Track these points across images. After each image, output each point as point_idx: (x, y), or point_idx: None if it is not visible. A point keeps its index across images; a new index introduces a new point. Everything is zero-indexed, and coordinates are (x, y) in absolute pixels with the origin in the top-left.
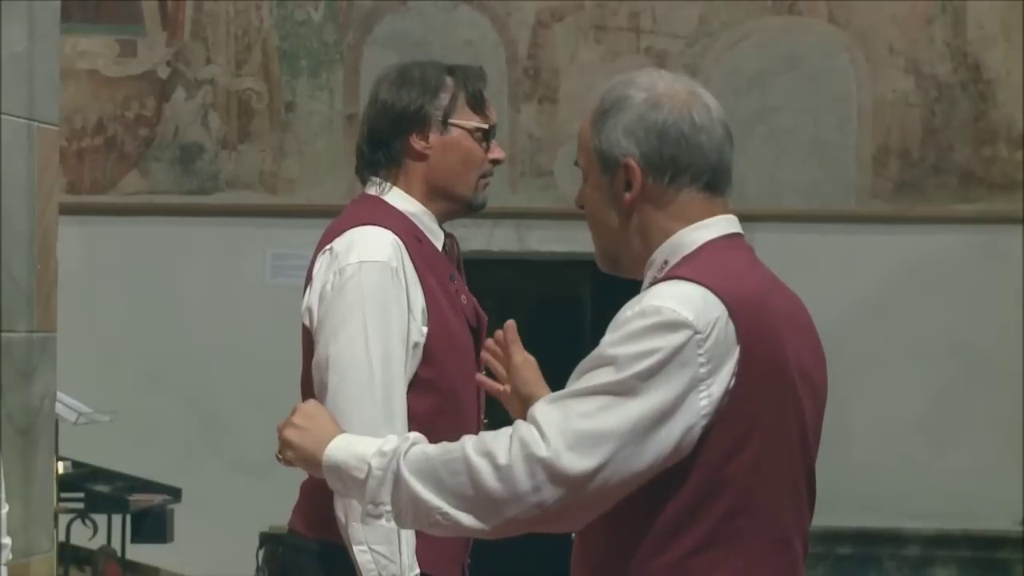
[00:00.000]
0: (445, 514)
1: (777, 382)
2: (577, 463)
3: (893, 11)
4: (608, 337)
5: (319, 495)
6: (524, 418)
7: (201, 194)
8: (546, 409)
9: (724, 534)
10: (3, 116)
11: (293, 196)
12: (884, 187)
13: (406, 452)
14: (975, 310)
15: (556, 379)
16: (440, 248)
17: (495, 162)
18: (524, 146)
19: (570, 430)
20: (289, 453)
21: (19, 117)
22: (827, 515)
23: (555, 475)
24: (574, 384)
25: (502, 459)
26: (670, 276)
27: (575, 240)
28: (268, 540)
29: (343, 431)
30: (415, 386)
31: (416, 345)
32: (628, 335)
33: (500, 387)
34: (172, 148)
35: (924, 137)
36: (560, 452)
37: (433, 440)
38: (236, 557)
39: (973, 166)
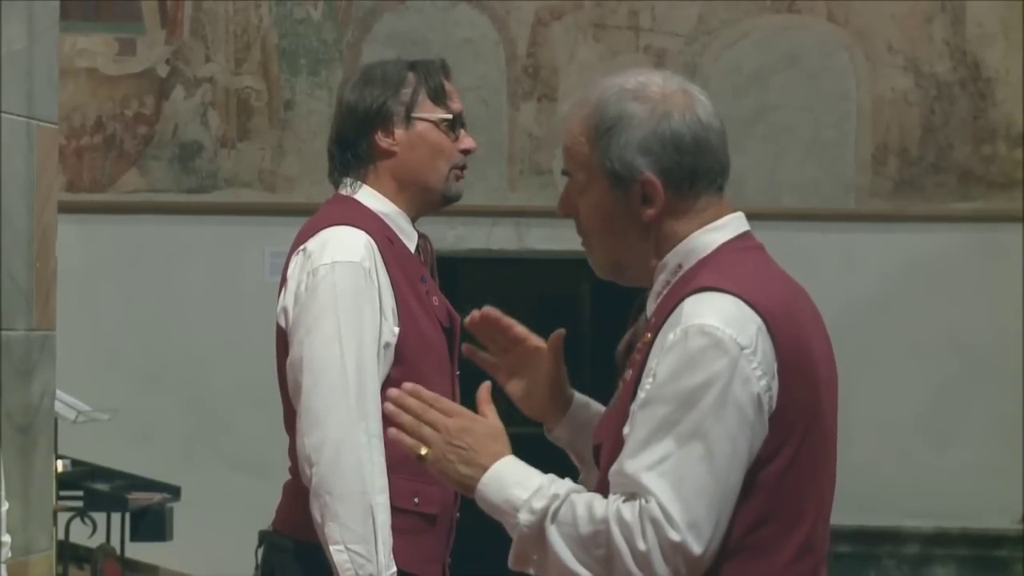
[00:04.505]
0: None
1: (809, 388)
2: (701, 540)
3: (892, 10)
4: (664, 369)
5: (301, 496)
6: (521, 400)
7: (200, 192)
8: (654, 480)
9: (749, 543)
10: (2, 114)
11: (292, 194)
12: (883, 186)
13: (556, 513)
14: (974, 308)
15: None
16: (413, 249)
17: (466, 152)
18: (523, 145)
19: (686, 504)
20: (432, 458)
21: (18, 115)
22: None
23: (689, 559)
24: (652, 430)
25: (641, 544)
26: (699, 287)
27: (574, 239)
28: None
29: (501, 452)
30: (388, 386)
31: (388, 345)
32: (682, 365)
33: (491, 359)
34: (171, 146)
35: (923, 136)
36: (687, 538)
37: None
38: (235, 555)
39: (972, 164)
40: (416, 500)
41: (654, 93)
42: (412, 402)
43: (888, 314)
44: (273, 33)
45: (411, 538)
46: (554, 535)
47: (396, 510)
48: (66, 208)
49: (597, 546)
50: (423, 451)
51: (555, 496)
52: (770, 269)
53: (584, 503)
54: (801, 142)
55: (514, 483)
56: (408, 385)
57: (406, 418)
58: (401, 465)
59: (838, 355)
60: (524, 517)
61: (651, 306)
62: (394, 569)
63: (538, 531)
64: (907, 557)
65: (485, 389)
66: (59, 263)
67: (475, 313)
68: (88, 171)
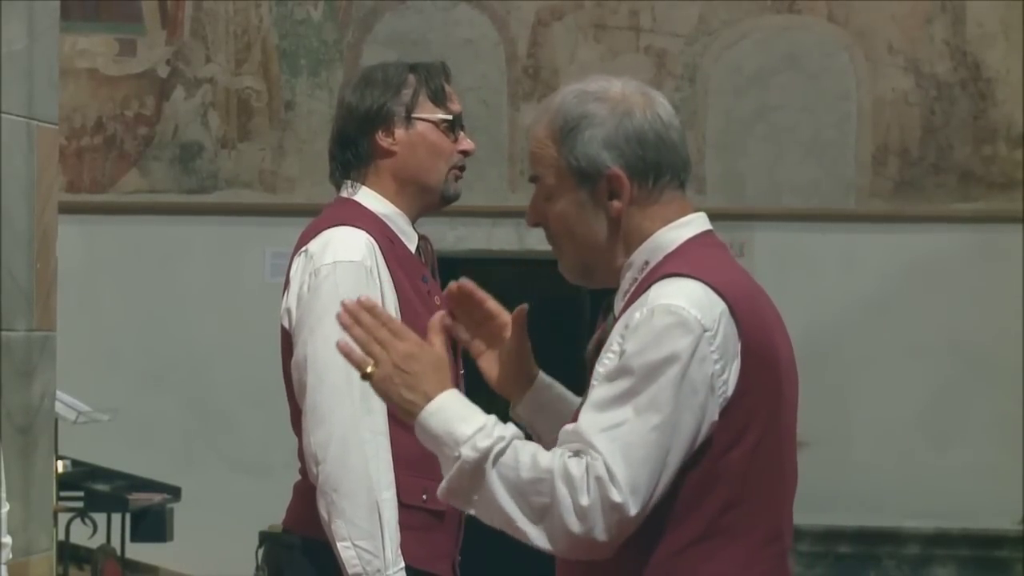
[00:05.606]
0: (516, 525)
1: (771, 376)
2: (640, 505)
3: (893, 10)
4: (630, 345)
5: (310, 495)
6: (495, 382)
7: (200, 193)
8: (604, 441)
9: (718, 527)
10: (3, 115)
11: (292, 195)
12: (883, 186)
13: (499, 454)
14: (975, 309)
15: (557, 378)
16: (413, 249)
17: (465, 153)
18: (523, 145)
19: (631, 468)
20: (377, 377)
21: (18, 116)
22: (827, 514)
23: (624, 520)
24: (612, 397)
25: (584, 499)
26: (667, 273)
27: None
28: (267, 539)
29: (445, 384)
30: None
31: None
32: (647, 340)
33: (465, 334)
34: (171, 147)
35: (923, 136)
36: (628, 500)
37: (412, 441)
38: (235, 556)
39: (972, 165)
40: (424, 497)
41: (615, 94)
42: (366, 317)
43: (888, 314)
44: (273, 33)
45: (420, 535)
46: (493, 476)
47: (405, 507)
48: (66, 208)
49: (537, 493)
50: (369, 368)
51: (500, 438)
52: (734, 266)
53: (529, 451)
54: (801, 142)
55: (458, 417)
56: (364, 298)
57: (358, 331)
58: (409, 462)
59: (838, 355)
60: (466, 452)
61: (619, 304)
62: (402, 564)
63: (477, 469)
64: (907, 557)
65: (439, 317)
66: (59, 263)
67: (452, 285)
68: (88, 171)
